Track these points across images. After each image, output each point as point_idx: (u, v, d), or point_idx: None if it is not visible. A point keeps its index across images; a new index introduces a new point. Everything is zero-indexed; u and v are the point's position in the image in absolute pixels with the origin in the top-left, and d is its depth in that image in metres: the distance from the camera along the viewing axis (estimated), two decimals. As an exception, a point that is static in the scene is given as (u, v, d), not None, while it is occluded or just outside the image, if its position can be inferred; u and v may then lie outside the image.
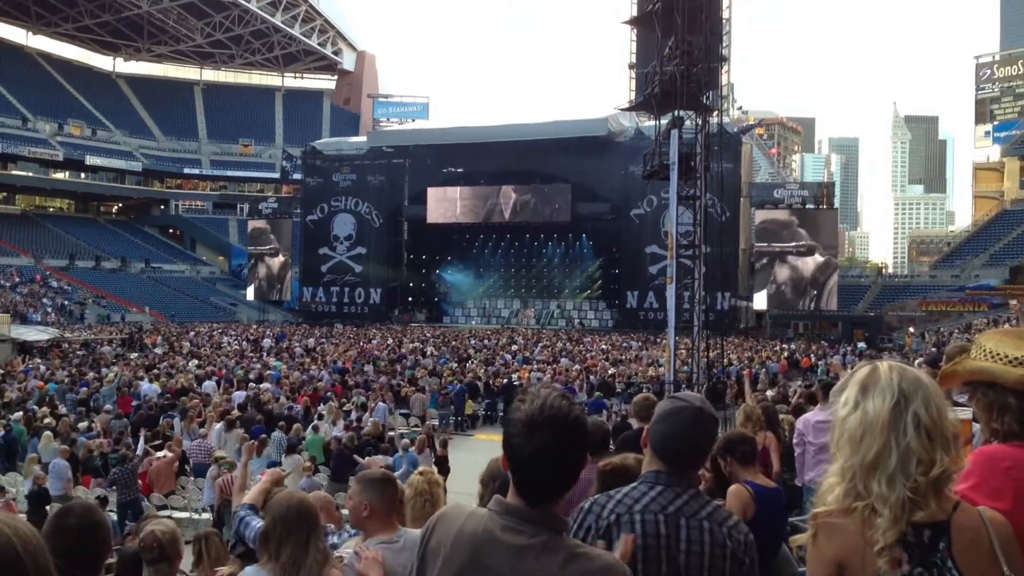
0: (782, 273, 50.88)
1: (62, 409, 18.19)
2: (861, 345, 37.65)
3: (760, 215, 52.09)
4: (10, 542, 1.37)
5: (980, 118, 72.56)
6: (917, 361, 10.43)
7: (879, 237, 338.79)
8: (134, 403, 18.97)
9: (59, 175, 75.22)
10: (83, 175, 76.30)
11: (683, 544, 2.39)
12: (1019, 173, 65.38)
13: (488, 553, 1.97)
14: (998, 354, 2.22)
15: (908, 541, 1.82)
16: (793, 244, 50.57)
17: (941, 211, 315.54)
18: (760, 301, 51.74)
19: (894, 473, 1.84)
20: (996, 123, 70.95)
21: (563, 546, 1.97)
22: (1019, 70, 71.17)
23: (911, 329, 44.25)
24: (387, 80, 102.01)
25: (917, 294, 55.41)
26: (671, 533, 2.40)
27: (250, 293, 65.77)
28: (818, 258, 50.26)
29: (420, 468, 4.47)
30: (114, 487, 11.74)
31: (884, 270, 79.25)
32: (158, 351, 34.98)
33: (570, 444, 1.98)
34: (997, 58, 74.79)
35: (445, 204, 59.44)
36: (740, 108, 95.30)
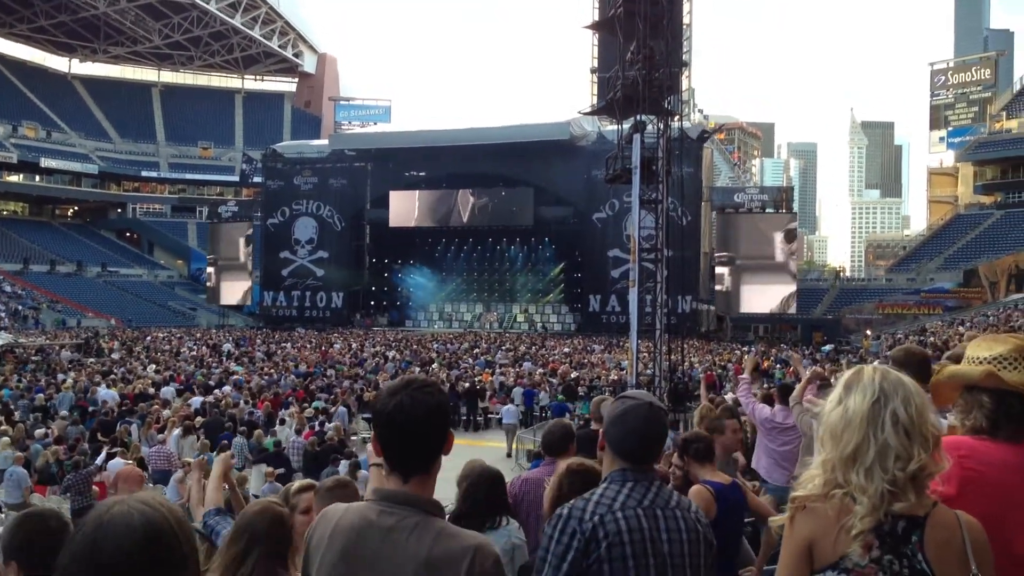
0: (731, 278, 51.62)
1: (17, 415, 17.83)
2: (827, 348, 38.07)
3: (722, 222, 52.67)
4: (166, 520, 1.39)
5: (935, 124, 73.82)
6: (875, 363, 10.56)
7: (837, 241, 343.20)
8: (91, 409, 18.66)
9: (13, 178, 73.84)
10: (38, 178, 74.88)
11: (664, 534, 2.48)
12: (973, 178, 66.67)
13: (361, 540, 2.06)
14: (971, 357, 2.37)
15: (882, 529, 1.90)
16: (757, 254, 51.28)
17: (897, 215, 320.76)
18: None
19: (872, 466, 1.92)
20: (950, 129, 72.23)
21: (434, 527, 2.06)
22: (973, 76, 72.55)
23: (868, 331, 44.86)
24: (349, 83, 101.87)
25: (874, 297, 56.28)
26: (652, 525, 2.48)
27: (230, 299, 64.94)
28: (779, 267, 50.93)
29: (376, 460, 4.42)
30: (67, 494, 11.53)
31: (842, 274, 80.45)
32: (115, 356, 34.43)
33: (427, 403, 2.11)
34: (951, 65, 76.19)
35: (407, 208, 59.26)
36: (701, 113, 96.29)
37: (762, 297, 50.51)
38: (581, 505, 2.51)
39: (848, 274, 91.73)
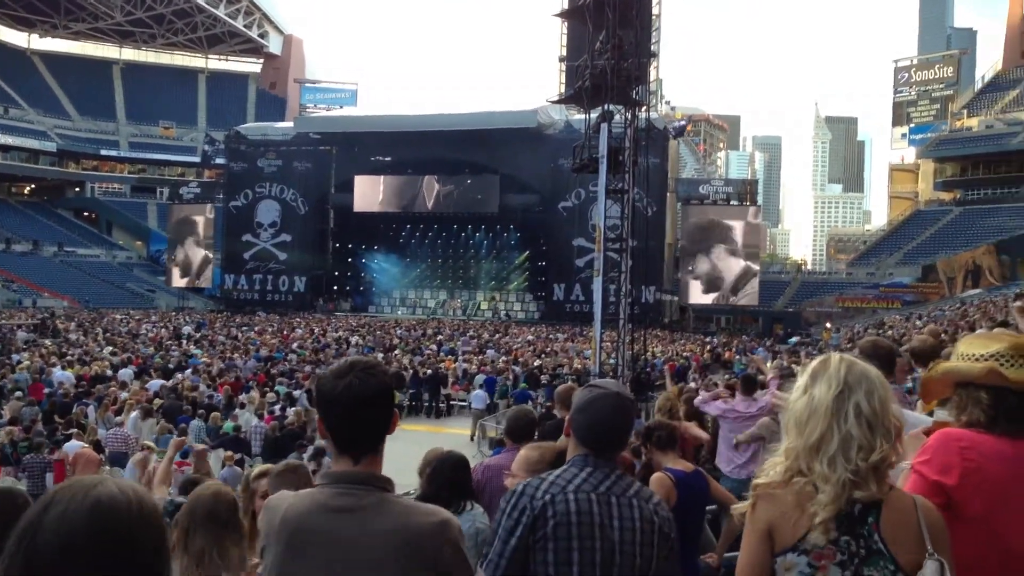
0: (701, 267, 51.94)
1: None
2: (793, 340, 38.48)
3: (691, 212, 52.98)
4: (119, 499, 1.33)
5: (897, 120, 74.90)
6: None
7: (799, 234, 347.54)
8: (46, 391, 18.34)
9: (-32, 154, 72.22)
10: (-7, 155, 73.37)
11: (616, 521, 2.49)
12: (933, 175, 67.73)
13: (316, 525, 2.04)
14: (966, 354, 2.41)
15: (842, 513, 1.98)
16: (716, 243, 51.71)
17: (858, 210, 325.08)
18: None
19: (835, 456, 1.99)
20: (912, 125, 73.32)
21: (398, 503, 2.10)
22: (935, 74, 73.64)
23: (828, 324, 45.47)
24: (315, 65, 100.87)
25: (834, 291, 57.05)
26: (603, 511, 2.49)
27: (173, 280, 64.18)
28: (741, 261, 51.29)
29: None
30: (24, 474, 11.35)
31: (803, 267, 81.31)
32: (72, 337, 33.87)
33: (375, 384, 2.11)
34: (915, 62, 77.29)
35: (372, 192, 58.88)
36: (668, 104, 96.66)
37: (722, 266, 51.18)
38: (536, 483, 2.54)
39: (810, 267, 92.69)
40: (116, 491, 1.34)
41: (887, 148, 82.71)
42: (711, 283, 51.60)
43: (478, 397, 20.62)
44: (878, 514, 1.98)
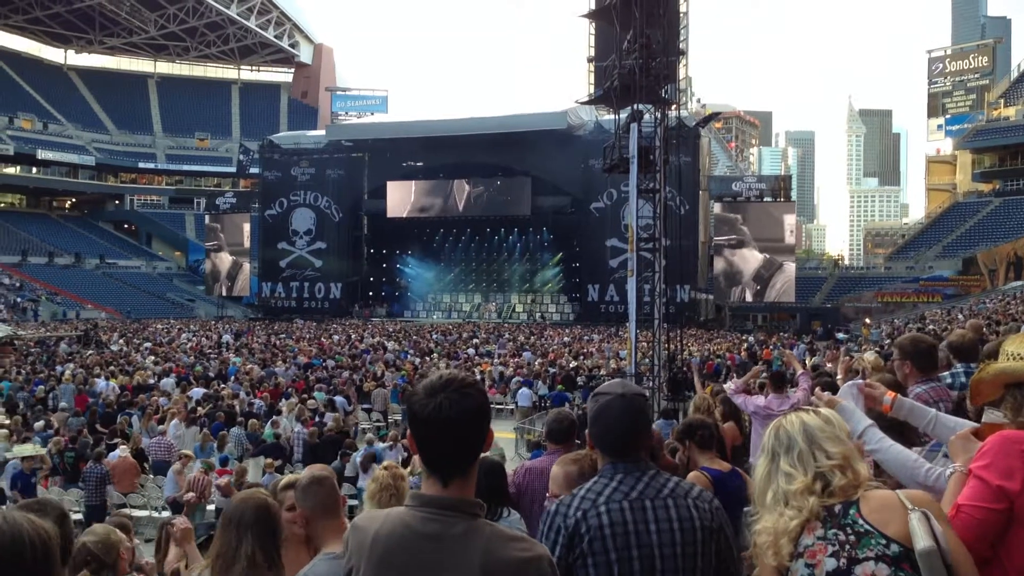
0: (718, 266, 51.74)
1: (20, 408, 17.86)
2: (842, 335, 38.02)
3: (716, 209, 52.73)
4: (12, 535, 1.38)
5: (932, 112, 73.77)
6: (868, 352, 10.66)
7: (835, 229, 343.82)
8: (90, 401, 18.68)
9: (9, 170, 73.62)
10: (35, 170, 74.68)
11: (652, 525, 2.47)
12: (971, 166, 66.64)
13: (405, 549, 1.97)
14: (1016, 354, 2.45)
15: (821, 515, 2.17)
16: (731, 237, 51.47)
17: (895, 204, 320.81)
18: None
19: (774, 506, 2.28)
20: (948, 116, 72.20)
21: (484, 532, 1.98)
22: (970, 64, 72.47)
23: (867, 320, 44.89)
24: (345, 73, 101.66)
25: (873, 286, 56.29)
26: (638, 518, 2.47)
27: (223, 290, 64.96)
28: (759, 255, 50.95)
29: (385, 462, 4.45)
30: (81, 484, 11.58)
31: (840, 262, 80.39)
32: (114, 348, 34.45)
33: (468, 406, 2.00)
34: (949, 52, 76.09)
35: (405, 198, 59.22)
36: (699, 101, 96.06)
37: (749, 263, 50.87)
38: (567, 501, 2.53)
39: (847, 262, 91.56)
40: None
41: (923, 140, 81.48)
42: (730, 279, 51.39)
43: (523, 395, 20.97)
44: (858, 506, 2.15)
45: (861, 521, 2.12)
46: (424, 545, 1.96)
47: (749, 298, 51.70)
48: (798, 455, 2.26)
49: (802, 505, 2.19)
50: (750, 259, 51.06)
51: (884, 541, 2.07)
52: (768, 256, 51.12)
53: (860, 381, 3.28)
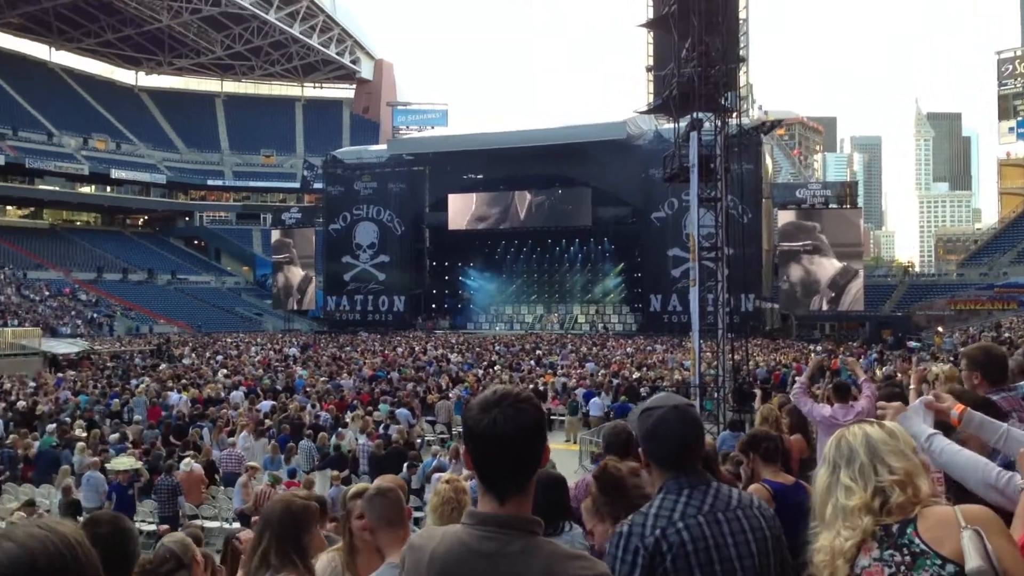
0: (795, 273, 50.77)
1: (96, 420, 18.41)
2: (914, 344, 37.20)
3: (782, 218, 51.92)
4: (40, 552, 1.33)
5: (1003, 114, 71.83)
6: (941, 364, 10.42)
7: (904, 236, 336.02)
8: (163, 414, 19.17)
9: (85, 189, 76.08)
10: (109, 188, 77.12)
11: (729, 538, 2.46)
12: (1045, 168, 64.72)
13: (464, 568, 1.93)
14: None
15: (878, 535, 2.14)
16: (807, 243, 50.48)
17: (967, 208, 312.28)
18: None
19: (832, 522, 2.25)
20: (1020, 119, 70.22)
21: (543, 550, 1.94)
22: (1042, 65, 70.47)
23: (940, 328, 43.80)
24: (406, 88, 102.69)
25: (945, 293, 54.93)
26: (715, 532, 2.45)
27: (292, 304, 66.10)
28: (835, 262, 49.98)
29: (447, 475, 4.51)
30: (154, 496, 11.87)
31: (910, 269, 78.61)
32: (186, 362, 35.29)
33: (523, 421, 1.97)
34: (1019, 53, 74.00)
35: (466, 210, 59.62)
36: (760, 108, 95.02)
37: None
38: (640, 520, 2.48)
39: (917, 269, 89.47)
40: (28, 543, 1.34)
41: (994, 143, 79.36)
42: (807, 287, 50.44)
43: (595, 405, 21.03)
44: (915, 524, 2.12)
45: (917, 540, 2.09)
46: (481, 564, 1.92)
47: (824, 307, 50.70)
48: (859, 468, 2.23)
49: (856, 524, 2.17)
50: (827, 266, 50.13)
51: (939, 561, 2.04)
52: (845, 264, 50.18)
53: (928, 398, 3.22)
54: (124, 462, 12.07)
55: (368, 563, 3.35)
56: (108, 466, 12.44)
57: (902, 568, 2.08)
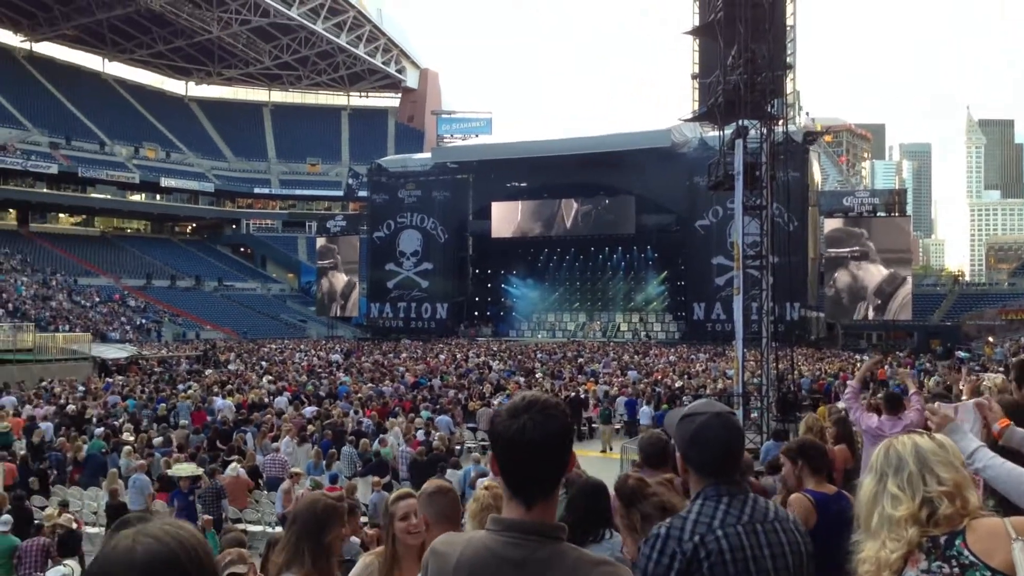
0: (842, 279, 50.02)
1: (143, 425, 18.71)
2: (964, 354, 36.50)
3: (828, 225, 51.22)
4: (172, 552, 1.39)
5: (1059, 120, 70.22)
6: (994, 374, 10.18)
7: (955, 245, 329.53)
8: (208, 419, 19.41)
9: (136, 197, 77.42)
10: (158, 197, 78.41)
11: (766, 550, 2.42)
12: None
13: (490, 574, 1.94)
14: None
15: (925, 546, 2.10)
16: (854, 249, 49.76)
17: (1019, 217, 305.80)
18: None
19: (879, 531, 2.21)
20: (1076, 124, 68.61)
21: (569, 557, 1.95)
22: (1100, 69, 68.79)
23: (990, 338, 42.90)
24: (450, 96, 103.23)
25: (996, 302, 53.85)
26: (753, 543, 2.42)
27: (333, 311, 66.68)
28: (882, 268, 49.19)
29: (485, 482, 4.49)
30: (198, 501, 11.99)
31: (960, 278, 77.10)
32: (231, 367, 35.71)
33: (550, 427, 1.97)
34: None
35: (509, 218, 59.70)
36: (808, 115, 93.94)
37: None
38: (679, 524, 2.45)
39: (967, 279, 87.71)
40: (165, 542, 1.39)
41: (1049, 149, 77.58)
42: (854, 294, 49.68)
43: (644, 414, 20.99)
44: (964, 536, 2.08)
45: (967, 552, 2.04)
46: (510, 571, 1.92)
47: (871, 315, 49.91)
48: (908, 477, 2.19)
49: (901, 535, 2.13)
50: (874, 272, 49.35)
51: (989, 573, 2.00)
52: (893, 270, 49.37)
53: (981, 400, 3.15)
54: (186, 468, 12.19)
55: (411, 568, 3.35)
56: (170, 472, 12.59)
57: None
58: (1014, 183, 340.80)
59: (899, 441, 2.28)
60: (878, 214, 50.71)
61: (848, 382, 8.68)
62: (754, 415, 18.50)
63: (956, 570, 2.04)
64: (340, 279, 65.00)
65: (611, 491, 4.23)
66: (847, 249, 49.84)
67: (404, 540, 3.45)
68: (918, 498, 2.15)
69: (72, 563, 9.32)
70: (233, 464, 13.27)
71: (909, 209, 57.04)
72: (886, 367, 31.82)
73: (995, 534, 2.07)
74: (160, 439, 16.33)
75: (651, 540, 2.47)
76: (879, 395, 12.94)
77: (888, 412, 7.67)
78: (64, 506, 11.31)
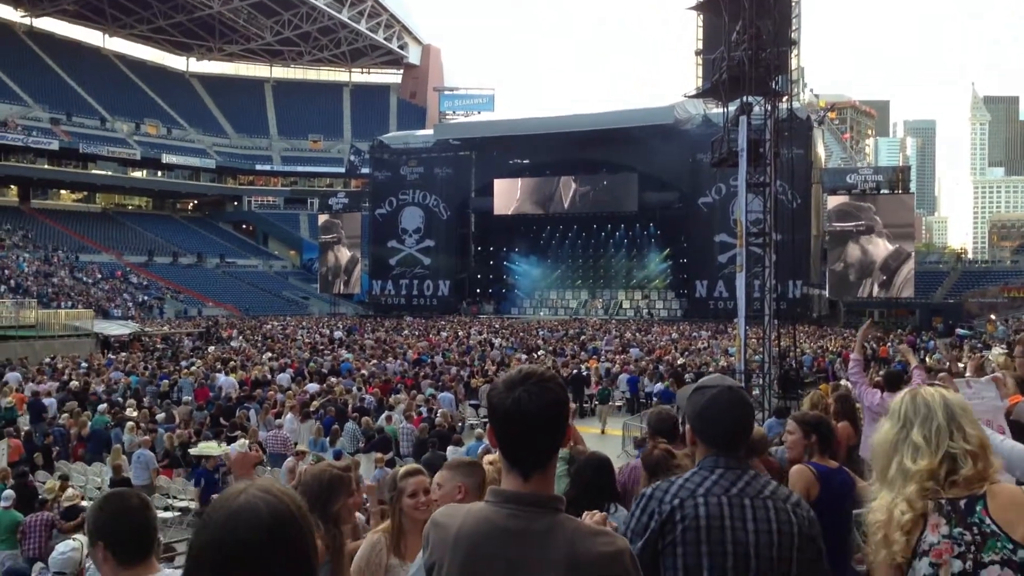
0: (852, 253, 49.84)
1: (146, 401, 18.76)
2: (964, 331, 36.49)
3: (832, 201, 51.05)
4: (289, 508, 1.47)
5: (1064, 97, 69.83)
6: (996, 350, 10.18)
7: (958, 222, 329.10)
8: (211, 395, 19.47)
9: (137, 173, 77.24)
10: (160, 173, 78.29)
11: (750, 524, 2.41)
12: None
13: (490, 546, 1.96)
14: None
15: (944, 509, 2.09)
16: (859, 223, 49.56)
17: (1023, 194, 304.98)
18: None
19: (894, 481, 2.21)
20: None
21: (567, 527, 1.97)
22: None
23: (992, 316, 42.90)
24: (452, 73, 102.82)
25: (998, 280, 53.79)
26: (736, 514, 2.42)
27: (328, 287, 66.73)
28: (888, 244, 49.05)
29: (489, 457, 4.50)
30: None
31: (963, 256, 76.97)
32: (234, 344, 35.76)
33: (546, 399, 2.00)
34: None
35: (511, 195, 59.52)
36: (812, 92, 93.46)
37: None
38: (665, 487, 2.51)
39: (970, 256, 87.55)
40: (281, 499, 1.48)
41: (1054, 126, 77.20)
42: (862, 269, 49.52)
43: (657, 390, 20.82)
44: (985, 502, 2.06)
45: (988, 520, 2.03)
46: (509, 541, 1.95)
47: (876, 291, 49.83)
48: (936, 428, 2.16)
49: (913, 494, 2.11)
50: (880, 246, 49.17)
51: (1011, 545, 1.98)
52: (897, 245, 49.24)
53: (998, 375, 3.16)
54: (210, 447, 12.17)
55: (416, 543, 3.37)
56: (193, 451, 12.57)
57: (972, 548, 2.03)
58: (1018, 160, 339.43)
59: (926, 391, 2.25)
60: (881, 191, 50.54)
61: (852, 357, 8.65)
62: (756, 392, 18.49)
63: (978, 538, 2.02)
64: (344, 254, 64.93)
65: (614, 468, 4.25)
66: (853, 223, 49.67)
67: (412, 515, 3.46)
68: (941, 452, 2.12)
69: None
70: (242, 441, 13.30)
71: (913, 186, 56.85)
72: (887, 345, 31.85)
73: (1017, 504, 2.05)
74: (162, 415, 16.37)
75: (639, 499, 2.53)
76: (881, 372, 12.97)
77: (890, 390, 7.67)
78: (64, 479, 11.34)
